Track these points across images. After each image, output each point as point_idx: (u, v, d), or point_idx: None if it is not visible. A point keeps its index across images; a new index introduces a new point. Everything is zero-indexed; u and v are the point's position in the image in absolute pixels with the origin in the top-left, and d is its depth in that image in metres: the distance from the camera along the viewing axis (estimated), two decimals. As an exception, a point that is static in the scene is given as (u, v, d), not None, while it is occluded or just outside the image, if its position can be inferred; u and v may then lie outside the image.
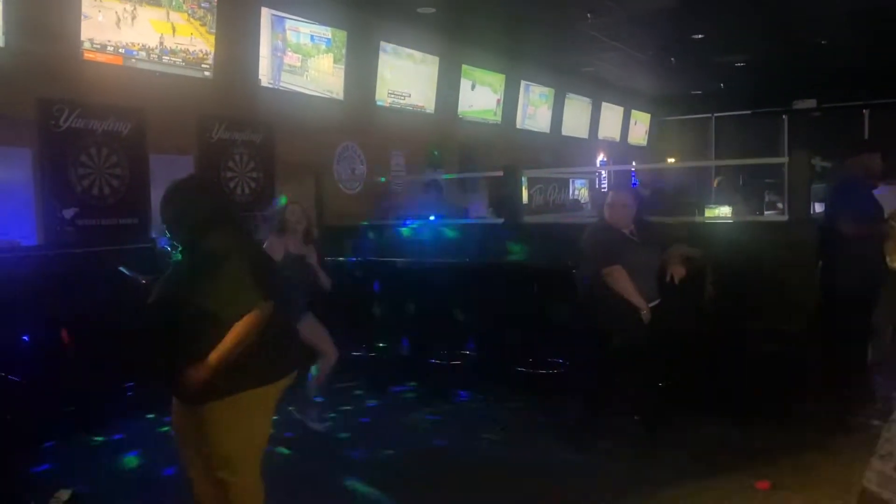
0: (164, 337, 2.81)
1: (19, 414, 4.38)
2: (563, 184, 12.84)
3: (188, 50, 6.30)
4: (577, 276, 4.64)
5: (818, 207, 5.96)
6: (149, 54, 5.99)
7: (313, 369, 4.87)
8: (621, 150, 15.03)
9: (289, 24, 7.39)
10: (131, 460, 4.52)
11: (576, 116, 13.37)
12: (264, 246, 4.37)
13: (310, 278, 4.85)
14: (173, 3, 6.10)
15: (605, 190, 11.24)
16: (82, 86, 5.59)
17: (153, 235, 5.90)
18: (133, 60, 5.90)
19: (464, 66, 10.15)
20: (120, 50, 5.79)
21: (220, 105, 6.72)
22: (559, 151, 12.35)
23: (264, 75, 7.19)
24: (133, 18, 5.81)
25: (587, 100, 13.71)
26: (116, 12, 5.68)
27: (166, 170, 5.92)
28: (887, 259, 4.96)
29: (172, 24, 6.13)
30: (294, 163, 7.42)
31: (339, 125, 8.09)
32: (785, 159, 5.92)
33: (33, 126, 5.35)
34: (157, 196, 5.92)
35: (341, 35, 7.98)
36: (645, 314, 4.29)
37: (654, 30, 9.63)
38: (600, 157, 14.05)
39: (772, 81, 13.33)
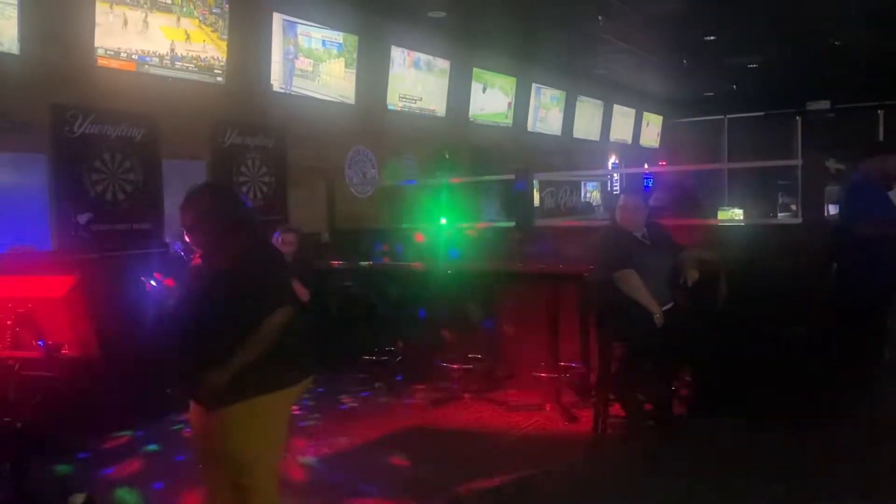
0: (184, 342, 2.82)
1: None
2: (575, 186, 12.79)
3: (200, 56, 6.34)
4: (589, 279, 4.62)
5: (832, 209, 5.92)
6: (161, 60, 6.04)
7: None
8: (633, 152, 14.99)
9: (300, 29, 7.42)
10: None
11: (587, 119, 13.33)
12: None
13: None
14: (184, 10, 6.14)
15: (617, 193, 11.18)
16: (96, 92, 5.64)
17: (167, 240, 5.94)
18: (146, 66, 5.95)
19: (475, 70, 10.16)
20: (133, 56, 5.84)
21: (232, 110, 6.76)
22: (571, 154, 12.33)
23: (276, 80, 7.23)
24: (146, 25, 5.86)
25: (599, 102, 13.66)
26: (129, 19, 5.73)
27: (179, 175, 5.99)
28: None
29: (185, 30, 6.18)
30: (306, 167, 7.48)
31: (350, 129, 8.12)
32: (799, 161, 5.91)
33: (48, 132, 5.40)
34: (170, 201, 6.06)
35: (352, 40, 8.01)
36: (658, 318, 4.27)
37: (666, 31, 9.61)
38: (612, 160, 14.01)
39: (785, 82, 13.25)
